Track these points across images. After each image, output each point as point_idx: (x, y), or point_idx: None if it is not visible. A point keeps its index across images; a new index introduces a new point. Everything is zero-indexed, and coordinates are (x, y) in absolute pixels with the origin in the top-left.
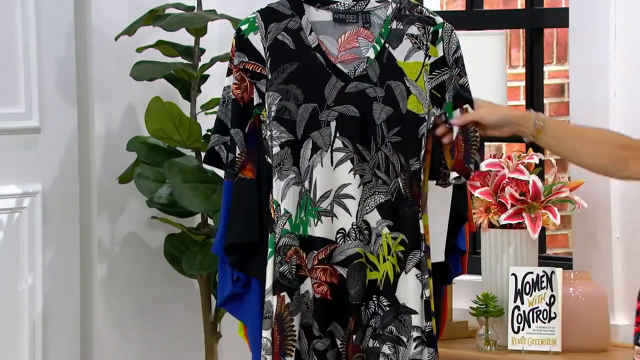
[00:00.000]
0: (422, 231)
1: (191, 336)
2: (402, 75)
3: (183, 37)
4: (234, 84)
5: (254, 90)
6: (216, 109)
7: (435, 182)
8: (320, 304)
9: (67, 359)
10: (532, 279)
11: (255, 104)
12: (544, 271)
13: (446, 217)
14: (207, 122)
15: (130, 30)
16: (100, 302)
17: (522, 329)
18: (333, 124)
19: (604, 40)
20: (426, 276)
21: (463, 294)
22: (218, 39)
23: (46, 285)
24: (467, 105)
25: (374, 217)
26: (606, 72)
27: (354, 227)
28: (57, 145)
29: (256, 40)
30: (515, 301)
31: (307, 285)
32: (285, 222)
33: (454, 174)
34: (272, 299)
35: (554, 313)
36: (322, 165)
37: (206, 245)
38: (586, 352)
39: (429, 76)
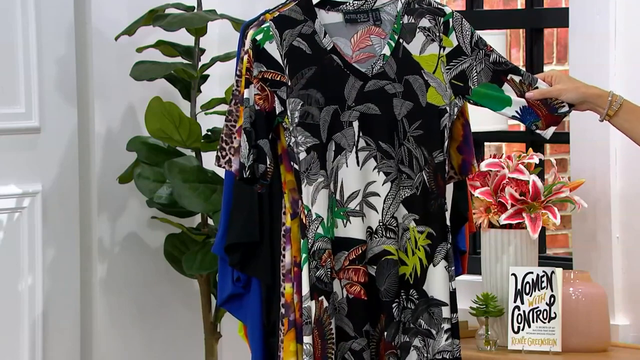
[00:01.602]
0: (448, 223)
1: (191, 336)
2: (419, 69)
3: (183, 37)
4: (256, 94)
5: (275, 98)
6: (217, 109)
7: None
8: (355, 304)
9: (67, 359)
10: (532, 279)
11: (277, 112)
12: (544, 271)
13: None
14: (207, 122)
15: (130, 30)
16: (100, 302)
17: (522, 329)
18: (356, 124)
19: (604, 40)
20: (452, 268)
21: (463, 294)
22: (218, 39)
23: (46, 285)
24: (510, 76)
25: (400, 212)
26: (606, 72)
27: (381, 224)
28: (57, 145)
29: (272, 48)
30: (515, 301)
31: (335, 287)
32: (318, 227)
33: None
34: (311, 304)
35: (554, 313)
36: (347, 166)
37: (206, 245)
38: (586, 352)
39: (447, 67)
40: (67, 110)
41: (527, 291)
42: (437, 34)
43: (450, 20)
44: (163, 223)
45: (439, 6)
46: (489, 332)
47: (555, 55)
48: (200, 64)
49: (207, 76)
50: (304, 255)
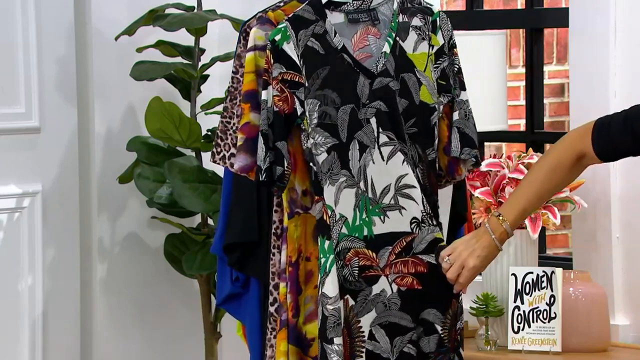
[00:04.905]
0: (440, 220)
1: (191, 336)
2: (412, 67)
3: (183, 37)
4: (275, 96)
5: (295, 100)
6: (217, 109)
7: None
8: (409, 295)
9: (67, 359)
10: (532, 279)
11: (298, 113)
12: (544, 271)
13: (445, 217)
14: (207, 122)
15: (130, 30)
16: (100, 302)
17: (522, 329)
18: (373, 121)
19: (604, 40)
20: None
21: (463, 294)
22: (218, 39)
23: (46, 285)
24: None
25: None
26: (606, 72)
27: (424, 213)
28: (57, 145)
29: (290, 49)
30: (515, 301)
31: (382, 284)
32: (342, 226)
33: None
34: (341, 305)
35: (554, 313)
36: (373, 163)
37: (206, 245)
38: (586, 352)
39: (434, 65)
40: (67, 110)
41: (527, 291)
42: (427, 33)
43: (438, 19)
44: (163, 223)
45: (428, 5)
46: (489, 332)
47: (555, 55)
48: (200, 64)
49: (207, 76)
50: (330, 257)
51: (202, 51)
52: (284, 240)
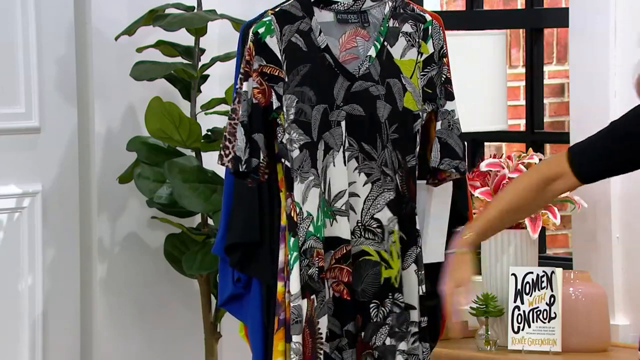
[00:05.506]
0: (418, 227)
1: (191, 336)
2: (398, 73)
3: (183, 37)
4: (254, 88)
5: (273, 93)
6: (217, 109)
7: (425, 181)
8: (340, 303)
9: (67, 359)
10: (532, 279)
11: (274, 107)
12: (544, 271)
13: (446, 217)
14: (207, 122)
15: (130, 30)
16: (100, 302)
17: (522, 329)
18: (343, 124)
19: (604, 40)
20: (422, 272)
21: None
22: (218, 39)
23: (46, 285)
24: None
25: (385, 215)
26: (606, 72)
27: (359, 225)
28: (57, 145)
29: (273, 43)
30: (515, 301)
31: (326, 287)
32: (309, 225)
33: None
34: (302, 303)
35: (554, 313)
36: (334, 165)
37: (206, 245)
38: (586, 352)
39: (422, 73)
40: (67, 110)
41: (527, 291)
42: (417, 40)
43: (430, 27)
44: (163, 223)
45: (421, 13)
46: (489, 332)
47: (555, 55)
48: (200, 64)
49: (207, 76)
50: (294, 254)
51: (202, 51)
52: (283, 239)
